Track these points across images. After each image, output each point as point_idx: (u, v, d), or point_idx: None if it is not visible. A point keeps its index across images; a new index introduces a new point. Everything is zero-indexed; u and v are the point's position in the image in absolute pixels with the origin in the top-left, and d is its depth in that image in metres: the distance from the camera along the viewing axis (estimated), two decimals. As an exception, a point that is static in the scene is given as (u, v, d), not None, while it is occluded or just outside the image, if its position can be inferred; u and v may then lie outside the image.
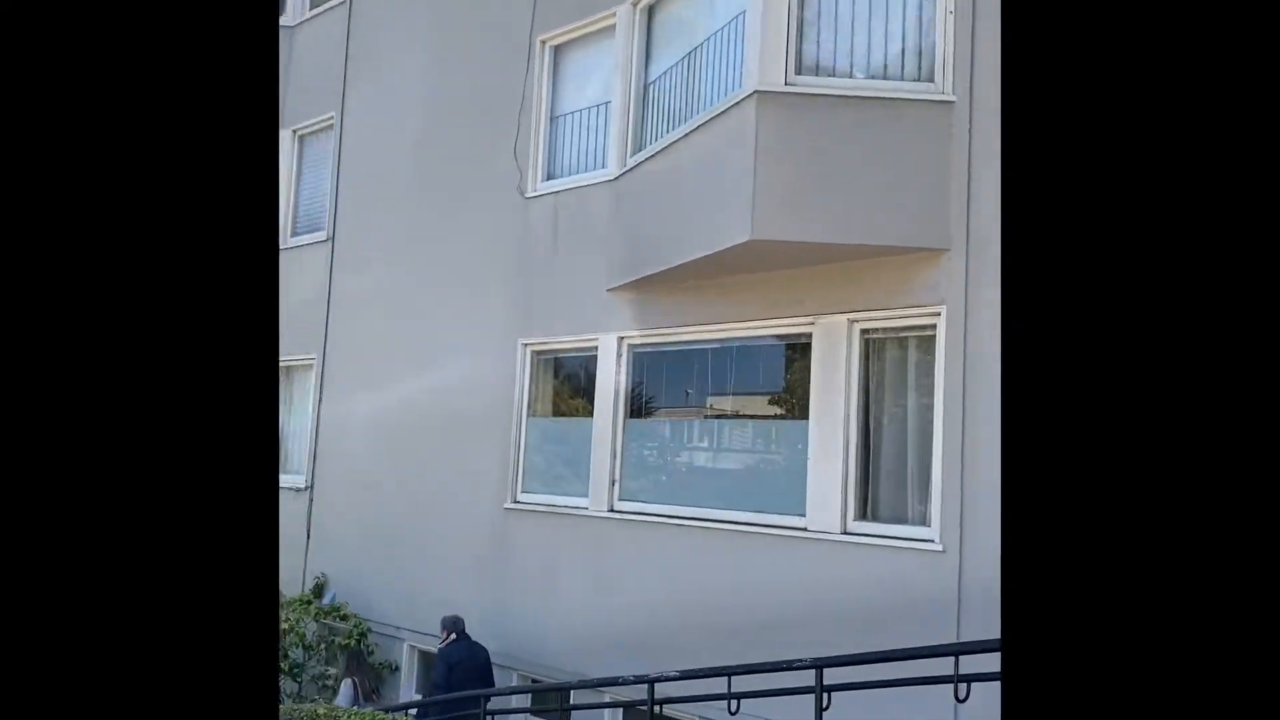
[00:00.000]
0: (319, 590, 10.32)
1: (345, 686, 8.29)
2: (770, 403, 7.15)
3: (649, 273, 7.23)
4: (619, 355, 7.90)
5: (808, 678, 5.08)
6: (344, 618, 9.62)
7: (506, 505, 8.63)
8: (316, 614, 9.69)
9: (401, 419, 9.91)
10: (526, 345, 8.73)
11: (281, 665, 9.29)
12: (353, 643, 9.35)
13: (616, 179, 7.93)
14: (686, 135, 6.81)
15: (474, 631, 8.65)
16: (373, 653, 9.39)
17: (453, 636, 7.98)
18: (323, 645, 9.44)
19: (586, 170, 8.46)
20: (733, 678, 5.49)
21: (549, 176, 8.81)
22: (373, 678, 8.64)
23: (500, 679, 8.31)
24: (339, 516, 10.57)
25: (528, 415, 8.73)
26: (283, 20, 12.04)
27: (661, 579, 7.26)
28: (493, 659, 8.43)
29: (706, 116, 6.57)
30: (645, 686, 5.91)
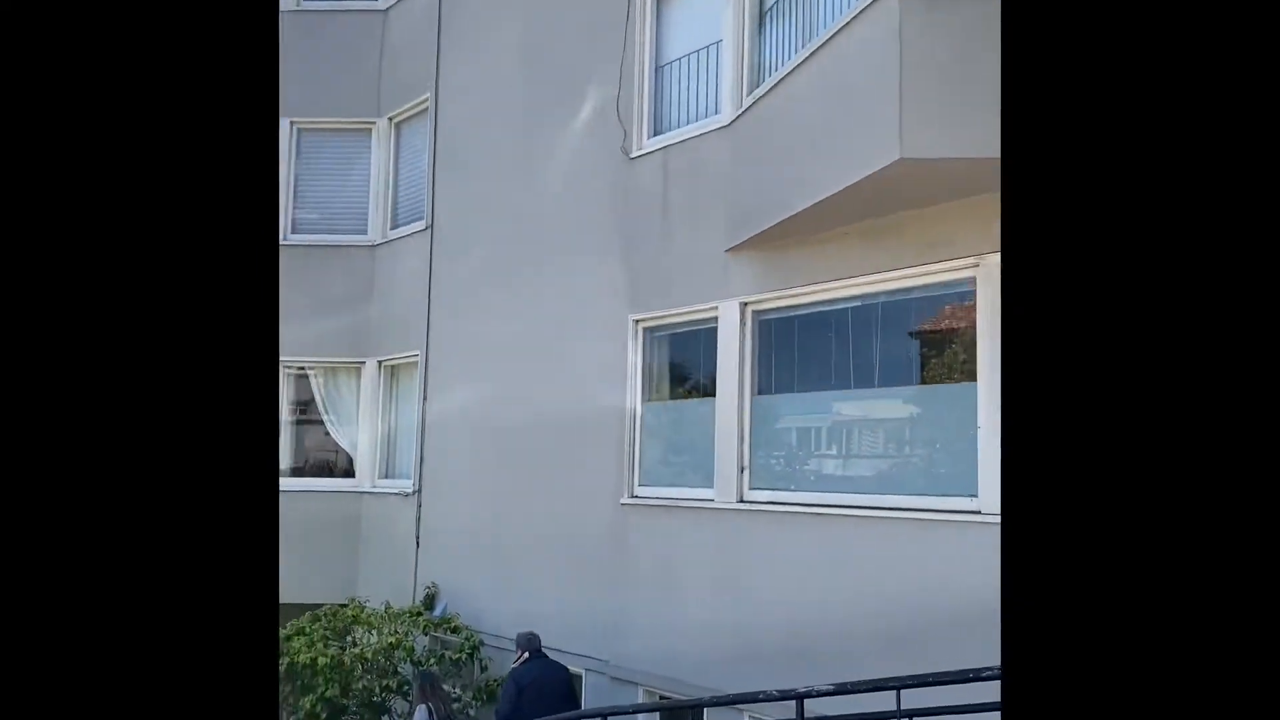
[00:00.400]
0: (430, 601, 9.62)
1: (420, 713, 7.54)
2: (926, 366, 6.06)
3: (774, 222, 6.24)
4: (742, 323, 6.92)
5: (998, 690, 4.01)
6: (455, 630, 8.88)
7: (623, 501, 7.73)
8: (426, 626, 8.97)
9: (508, 413, 9.14)
10: (638, 322, 7.83)
11: (390, 683, 8.61)
12: (463, 656, 8.59)
13: (731, 123, 6.98)
14: (814, 54, 5.80)
15: (592, 642, 7.79)
16: (486, 668, 8.61)
17: (525, 655, 7.20)
18: (432, 660, 8.70)
19: (697, 119, 7.53)
20: (902, 691, 4.45)
21: (655, 132, 7.92)
22: (447, 703, 7.84)
23: (623, 695, 7.40)
24: (448, 521, 9.87)
25: (643, 400, 7.82)
26: (374, 4, 11.54)
27: (804, 577, 6.23)
28: (614, 673, 7.55)
29: (838, 26, 5.55)
30: (793, 703, 4.91)
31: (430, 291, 10.37)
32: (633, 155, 7.94)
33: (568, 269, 8.59)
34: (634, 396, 7.80)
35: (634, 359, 7.83)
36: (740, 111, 6.85)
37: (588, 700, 7.82)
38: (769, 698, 5.04)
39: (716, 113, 7.29)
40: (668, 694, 7.13)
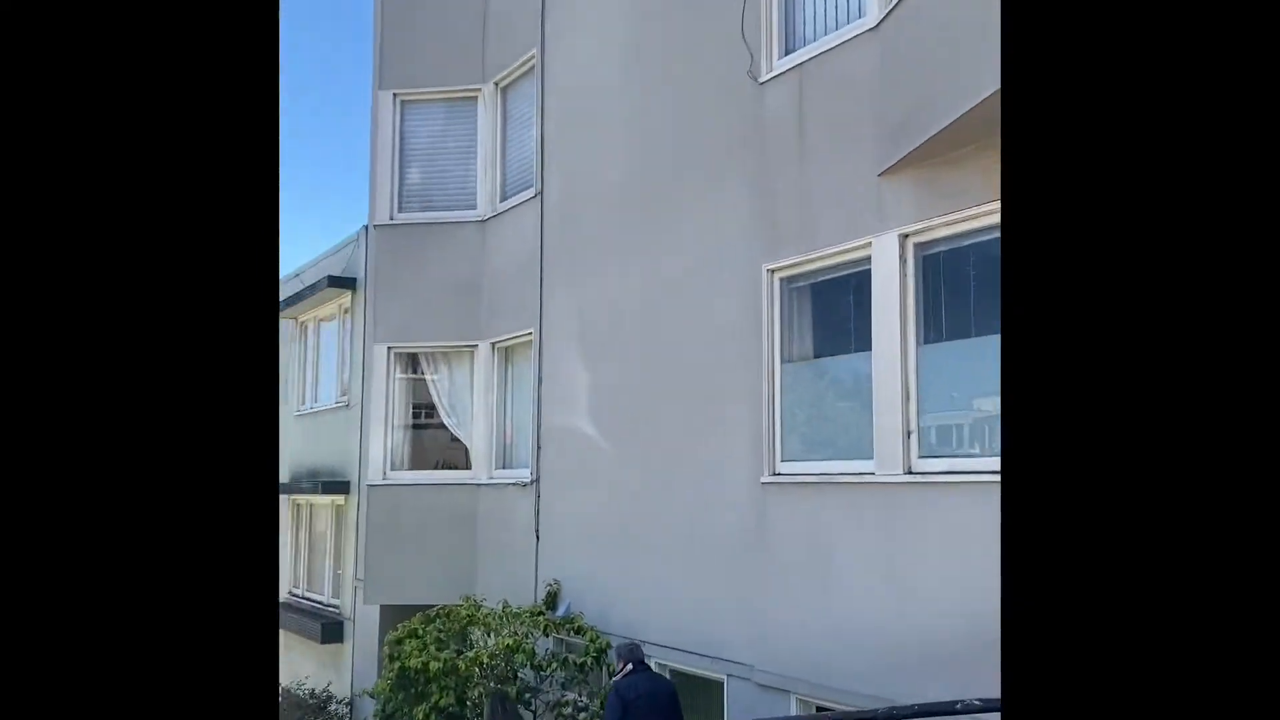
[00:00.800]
0: (551, 600, 8.75)
1: None
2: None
3: (939, 129, 5.11)
4: (902, 259, 5.79)
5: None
6: (579, 631, 7.97)
7: (764, 479, 6.68)
8: (547, 627, 8.09)
9: (630, 389, 8.20)
10: (773, 271, 6.78)
11: (509, 690, 7.76)
12: (589, 659, 7.68)
13: (880, 23, 5.87)
14: (986, -94, 4.66)
15: (735, 644, 6.77)
16: (614, 672, 7.66)
17: (629, 667, 6.47)
18: (555, 664, 7.82)
19: (837, 27, 6.44)
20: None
21: (787, 50, 6.86)
22: None
23: (773, 706, 6.34)
24: (569, 512, 8.98)
25: (782, 361, 6.75)
26: (475, -37, 10.83)
27: (991, 559, 5.04)
28: (762, 679, 6.50)
29: None
30: (996, 716, 3.78)
31: (542, 263, 9.53)
32: (762, 79, 6.90)
33: (691, 221, 7.60)
34: (772, 358, 6.75)
35: (770, 314, 6.77)
36: (892, 6, 5.73)
37: (730, 713, 6.79)
38: (970, 708, 3.92)
39: (860, 15, 6.19)
40: (826, 704, 6.04)
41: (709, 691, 7.09)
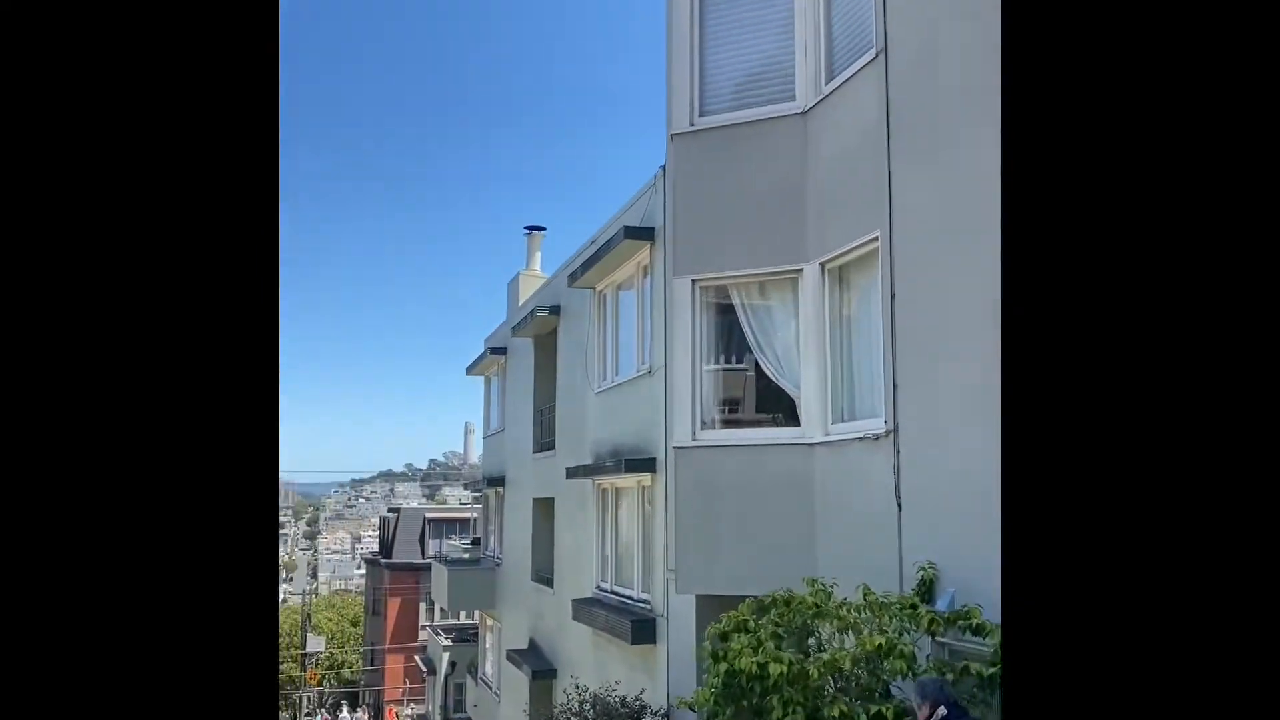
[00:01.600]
0: (927, 588, 6.36)
1: None
2: None
3: None
4: None
5: None
6: (977, 630, 5.54)
7: None
8: (931, 624, 5.73)
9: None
10: None
11: (884, 709, 5.47)
12: (997, 671, 5.23)
13: None
14: None
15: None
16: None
17: (941, 711, 4.93)
18: (950, 675, 5.45)
19: None
20: None
21: None
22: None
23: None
24: (945, 469, 6.55)
25: None
26: None
27: None
28: None
29: None
30: None
31: (889, 143, 7.19)
32: None
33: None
34: None
35: None
36: None
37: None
38: None
39: None
40: None
41: None
